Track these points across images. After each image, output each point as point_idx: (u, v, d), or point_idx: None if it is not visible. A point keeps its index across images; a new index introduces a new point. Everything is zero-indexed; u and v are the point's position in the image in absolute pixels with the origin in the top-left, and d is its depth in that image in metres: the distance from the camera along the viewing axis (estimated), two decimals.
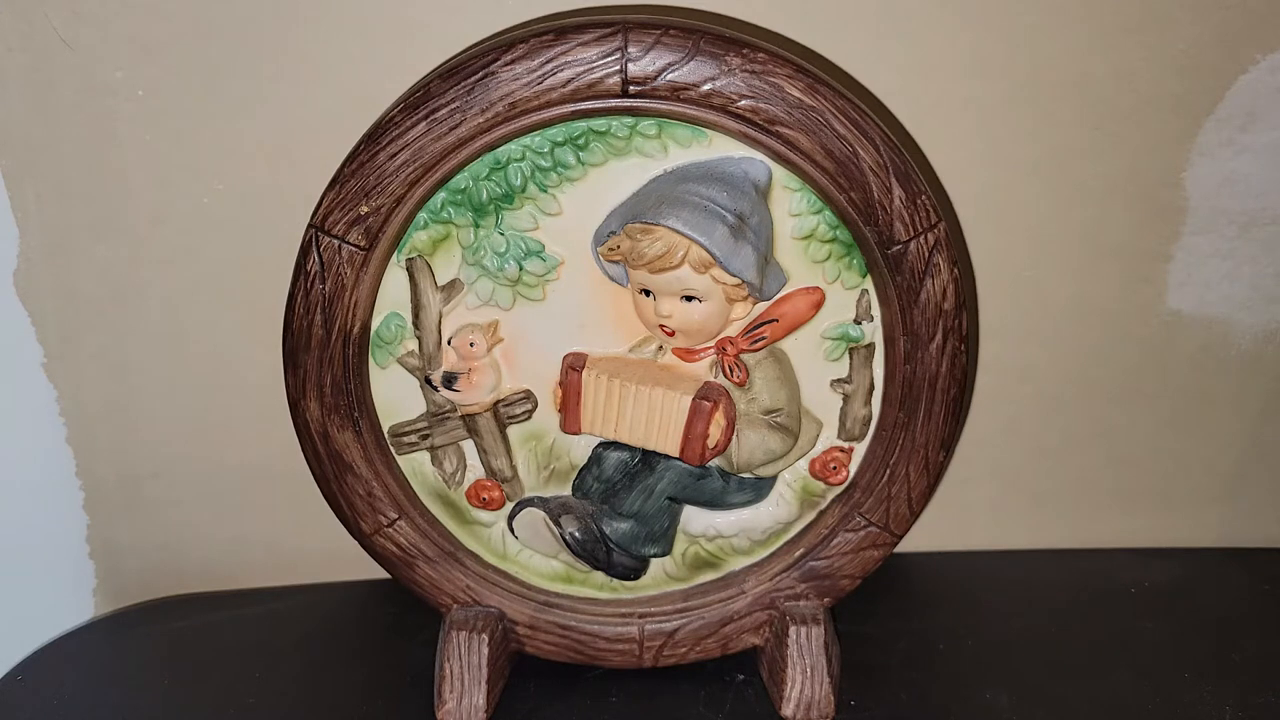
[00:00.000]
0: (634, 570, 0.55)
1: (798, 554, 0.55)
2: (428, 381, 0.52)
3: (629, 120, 0.47)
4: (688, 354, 0.51)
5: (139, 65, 0.56)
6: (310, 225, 0.48)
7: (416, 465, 0.54)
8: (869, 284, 0.51)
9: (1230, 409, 0.68)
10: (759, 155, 0.48)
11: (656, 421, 0.51)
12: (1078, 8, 0.57)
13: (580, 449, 0.54)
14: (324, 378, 0.50)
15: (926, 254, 0.48)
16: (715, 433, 0.51)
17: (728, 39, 0.46)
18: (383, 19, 0.56)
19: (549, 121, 0.47)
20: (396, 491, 0.54)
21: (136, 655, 0.60)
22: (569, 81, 0.46)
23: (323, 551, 0.65)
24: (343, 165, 0.47)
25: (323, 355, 0.50)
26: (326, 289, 0.49)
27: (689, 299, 0.49)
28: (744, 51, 0.46)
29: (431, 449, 0.54)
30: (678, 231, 0.47)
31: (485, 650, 0.54)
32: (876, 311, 0.51)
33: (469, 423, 0.53)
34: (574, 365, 0.51)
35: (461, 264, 0.50)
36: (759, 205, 0.48)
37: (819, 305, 0.51)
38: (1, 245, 0.59)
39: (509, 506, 0.55)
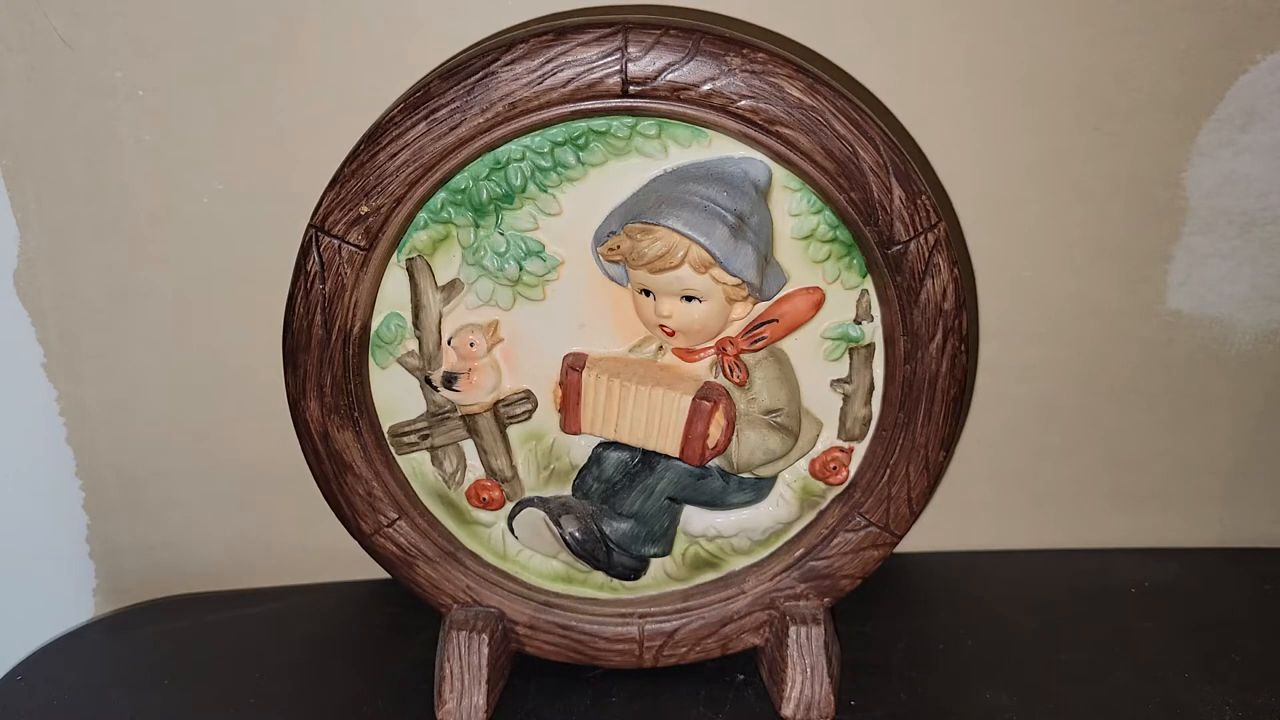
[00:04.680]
0: (634, 570, 0.55)
1: (798, 554, 0.55)
2: (428, 381, 0.52)
3: (629, 120, 0.47)
4: (688, 354, 0.51)
5: (139, 65, 0.56)
6: (310, 225, 0.48)
7: (416, 465, 0.54)
8: (869, 284, 0.51)
9: (1230, 409, 0.68)
10: (759, 155, 0.48)
11: (656, 421, 0.51)
12: (1078, 8, 0.57)
13: (580, 449, 0.54)
14: (324, 378, 0.50)
15: (926, 254, 0.48)
16: (715, 433, 0.51)
17: (728, 39, 0.46)
18: (383, 19, 0.56)
19: (549, 121, 0.47)
20: (396, 491, 0.54)
21: (136, 655, 0.60)
22: (569, 81, 0.46)
23: (323, 551, 0.65)
24: (343, 165, 0.47)
25: (323, 355, 0.50)
26: (326, 289, 0.49)
27: (689, 299, 0.49)
28: (744, 51, 0.46)
29: (431, 449, 0.54)
30: (678, 231, 0.47)
31: (485, 650, 0.54)
32: (876, 311, 0.51)
33: (469, 423, 0.53)
34: (574, 365, 0.51)
35: (461, 264, 0.50)
36: (759, 205, 0.48)
37: (819, 305, 0.51)
38: (1, 245, 0.59)
39: (509, 506, 0.55)
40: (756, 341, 0.51)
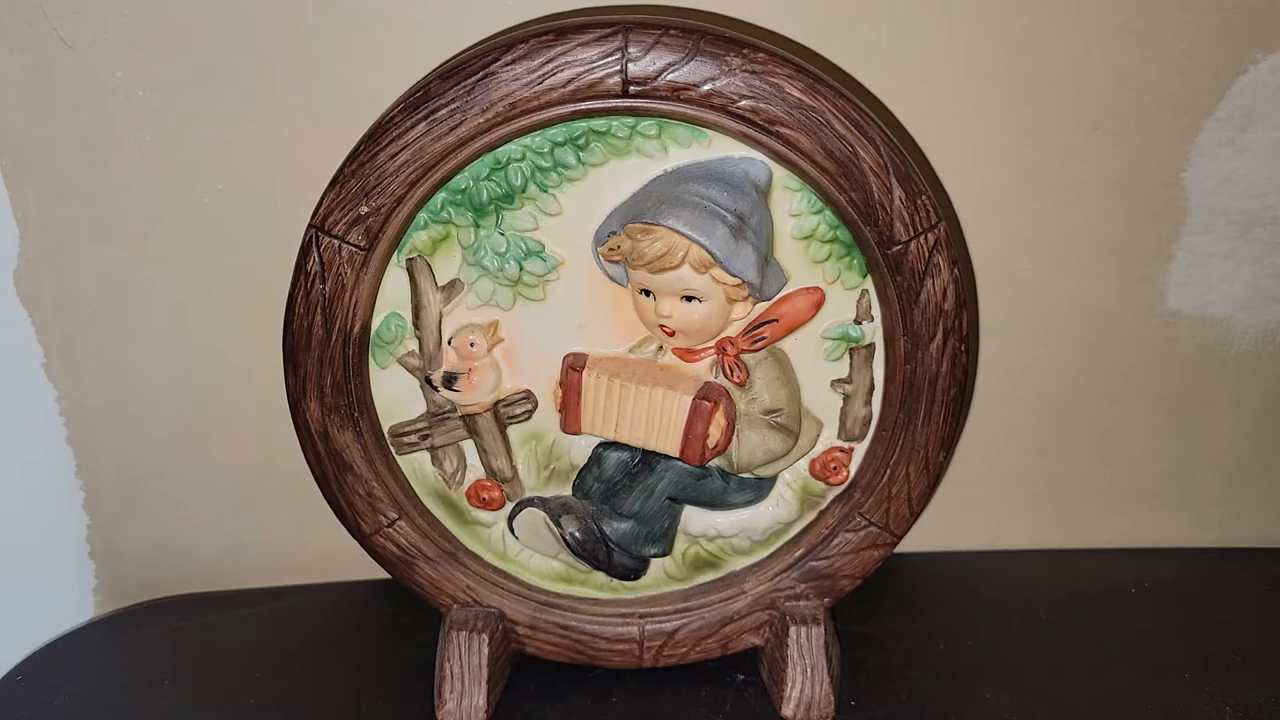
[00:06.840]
0: (634, 570, 0.55)
1: (798, 554, 0.55)
2: (428, 381, 0.52)
3: (629, 120, 0.47)
4: (688, 354, 0.51)
5: (139, 65, 0.56)
6: (310, 225, 0.48)
7: (416, 465, 0.54)
8: (869, 284, 0.51)
9: (1230, 409, 0.68)
10: (759, 155, 0.48)
11: (657, 421, 0.51)
12: (1078, 8, 0.57)
13: (580, 449, 0.54)
14: (324, 378, 0.50)
15: (926, 254, 0.48)
16: (715, 433, 0.51)
17: (728, 39, 0.46)
18: (383, 19, 0.56)
19: (549, 121, 0.47)
20: (396, 491, 0.54)
21: (136, 655, 0.60)
22: (569, 81, 0.46)
23: (323, 551, 0.65)
24: (343, 165, 0.47)
25: (323, 355, 0.50)
26: (326, 289, 0.49)
27: (689, 299, 0.49)
28: (744, 51, 0.46)
29: (431, 449, 0.54)
30: (678, 231, 0.47)
31: (485, 650, 0.54)
32: (876, 311, 0.51)
33: (469, 423, 0.53)
34: (574, 365, 0.51)
35: (462, 264, 0.50)
36: (759, 205, 0.48)
37: (819, 305, 0.51)
38: (1, 245, 0.59)
39: (509, 506, 0.55)
40: (756, 341, 0.51)
